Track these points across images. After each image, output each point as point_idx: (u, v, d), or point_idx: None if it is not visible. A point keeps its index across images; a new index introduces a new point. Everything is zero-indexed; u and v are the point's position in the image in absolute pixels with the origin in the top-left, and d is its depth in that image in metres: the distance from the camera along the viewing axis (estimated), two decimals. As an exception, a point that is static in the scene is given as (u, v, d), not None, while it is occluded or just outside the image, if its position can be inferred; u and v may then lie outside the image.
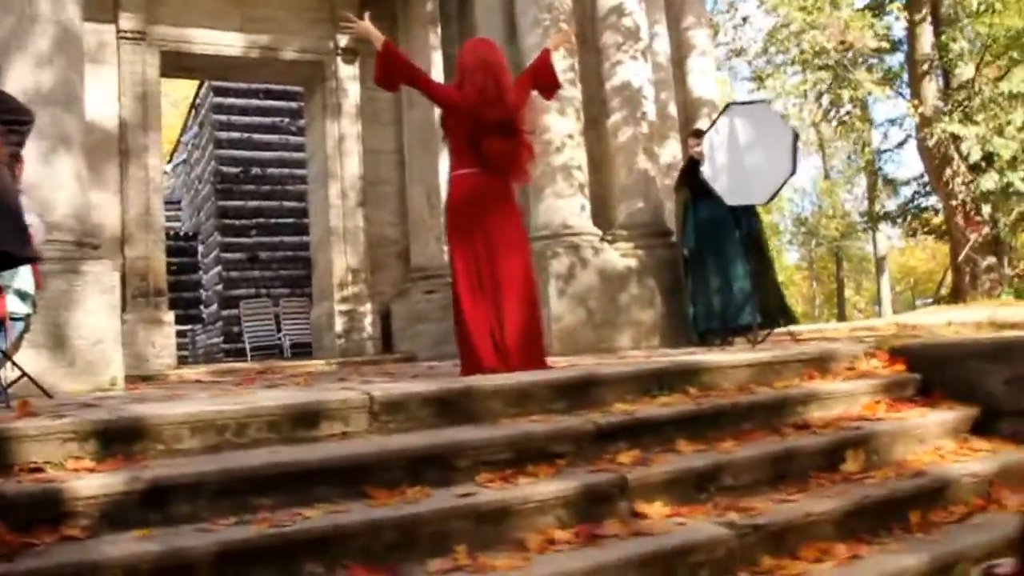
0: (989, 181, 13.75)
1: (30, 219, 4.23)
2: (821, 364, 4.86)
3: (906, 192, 16.69)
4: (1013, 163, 13.76)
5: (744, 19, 15.03)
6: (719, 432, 3.88)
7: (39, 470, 2.88)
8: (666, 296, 6.99)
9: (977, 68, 14.07)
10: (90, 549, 2.48)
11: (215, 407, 3.34)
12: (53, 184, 5.44)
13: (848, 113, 16.16)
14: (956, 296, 14.84)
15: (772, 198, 6.51)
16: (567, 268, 6.68)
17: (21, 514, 2.54)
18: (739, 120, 6.45)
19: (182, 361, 10.28)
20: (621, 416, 3.77)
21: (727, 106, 6.73)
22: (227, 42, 8.90)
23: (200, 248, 14.45)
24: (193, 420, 3.21)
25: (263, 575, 2.54)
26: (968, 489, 3.79)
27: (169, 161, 16.27)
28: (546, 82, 5.04)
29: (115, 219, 8.39)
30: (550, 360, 5.02)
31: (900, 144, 16.41)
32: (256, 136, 13.28)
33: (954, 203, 14.55)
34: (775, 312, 6.73)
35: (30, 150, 4.86)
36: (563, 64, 6.87)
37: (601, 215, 7.24)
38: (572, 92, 6.96)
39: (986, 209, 14.49)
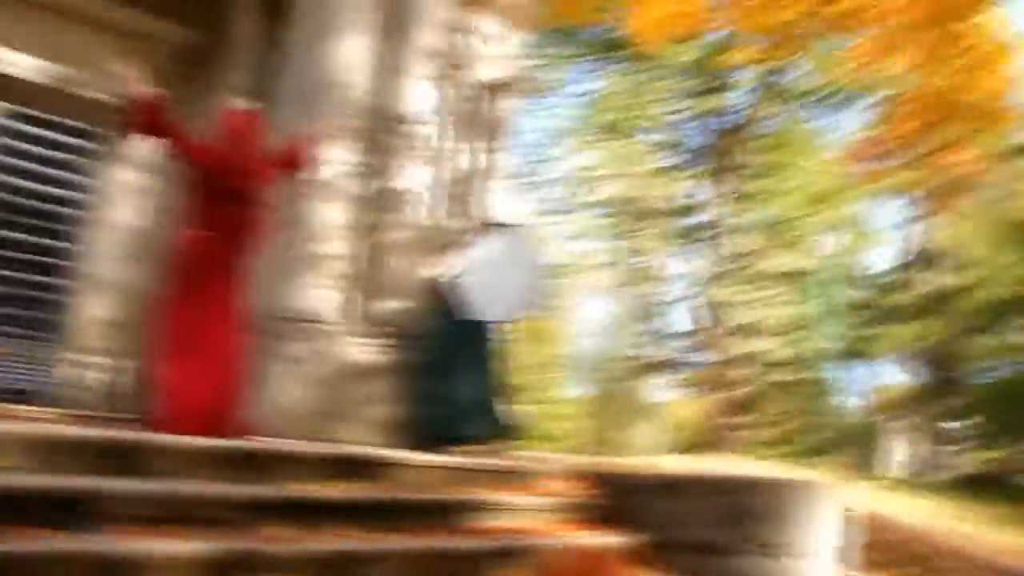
0: (747, 345, 15.00)
1: None
2: (516, 479, 5.11)
3: (676, 346, 17.95)
4: (769, 332, 15.11)
5: (548, 156, 16.09)
6: (388, 524, 3.99)
7: None
8: (401, 397, 7.13)
9: (754, 243, 15.55)
10: None
11: None
12: None
13: (633, 263, 17.35)
14: (707, 447, 15.85)
15: (514, 319, 6.90)
16: (304, 354, 6.73)
17: None
18: (496, 240, 6.86)
19: None
20: (281, 492, 3.83)
21: (484, 225, 7.15)
22: (27, 67, 8.57)
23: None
24: None
25: None
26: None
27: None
28: (297, 166, 5.22)
29: None
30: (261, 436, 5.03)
31: (678, 300, 17.72)
32: (44, 169, 12.61)
33: (714, 361, 15.73)
34: (501, 428, 7.00)
35: None
36: (344, 158, 7.10)
37: (358, 309, 7.36)
38: (348, 186, 7.16)
39: (741, 371, 15.73)
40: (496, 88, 9.93)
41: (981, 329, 22.97)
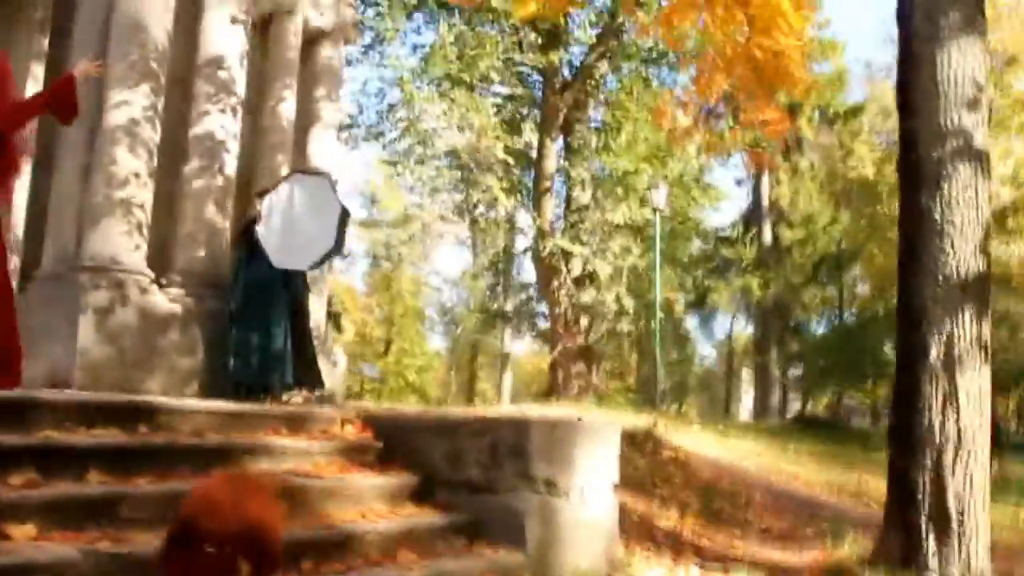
0: (587, 296, 15.49)
1: None
2: (296, 423, 5.27)
3: (522, 296, 18.43)
4: (609, 283, 15.65)
5: (390, 107, 16.00)
6: (147, 468, 4.07)
7: None
8: (209, 347, 7.15)
9: (593, 196, 16.04)
10: None
11: None
12: None
13: (480, 214, 17.65)
14: (548, 396, 16.41)
15: (315, 267, 7.00)
16: (106, 303, 6.64)
17: None
18: (298, 188, 6.92)
19: None
20: (39, 440, 3.87)
21: (291, 173, 7.21)
22: None
23: None
24: None
25: None
26: (373, 545, 4.29)
27: None
28: (64, 106, 5.14)
29: None
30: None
31: (525, 251, 18.14)
32: None
33: (556, 311, 16.20)
34: (307, 376, 7.14)
35: None
36: (144, 102, 6.98)
37: (160, 258, 7.30)
38: (149, 132, 7.04)
39: (583, 321, 16.29)
40: (319, 35, 9.88)
41: (811, 282, 24.55)
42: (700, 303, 23.74)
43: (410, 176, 16.23)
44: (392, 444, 5.32)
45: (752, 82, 8.57)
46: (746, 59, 7.97)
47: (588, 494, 5.01)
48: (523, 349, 31.45)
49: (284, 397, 6.74)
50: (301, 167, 8.30)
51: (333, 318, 24.16)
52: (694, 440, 11.52)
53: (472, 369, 31.03)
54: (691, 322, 27.24)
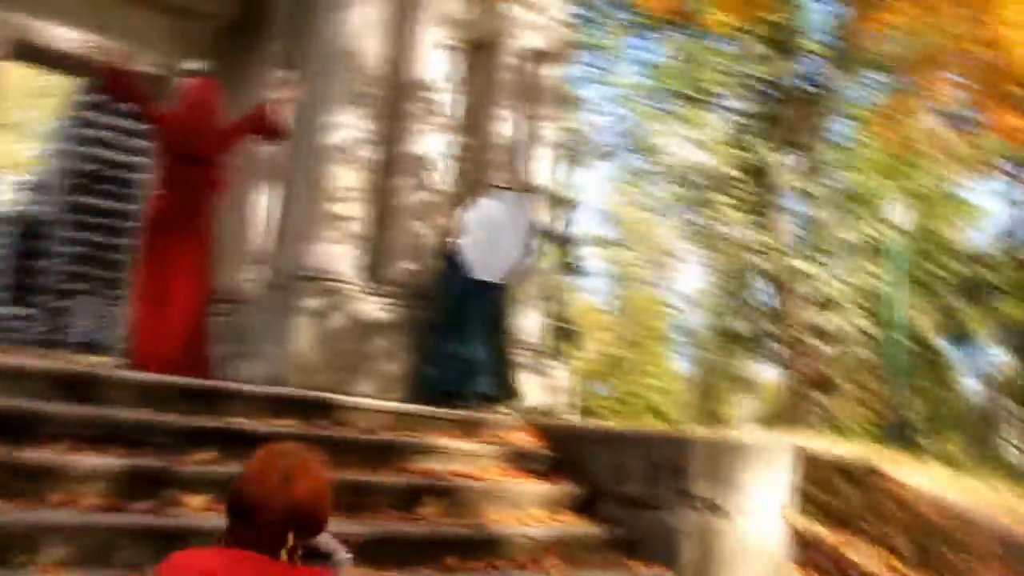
0: (822, 319, 14.82)
1: None
2: (469, 428, 5.53)
3: (758, 318, 17.80)
4: (846, 305, 14.89)
5: (618, 125, 16.13)
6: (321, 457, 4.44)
7: None
8: (413, 354, 7.60)
9: (829, 213, 15.31)
10: None
11: None
12: None
13: (712, 233, 17.30)
14: (782, 422, 15.77)
15: (509, 280, 7.26)
16: (318, 309, 7.26)
17: None
18: (495, 202, 7.24)
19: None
20: (223, 424, 4.34)
21: (490, 187, 7.54)
22: (78, 41, 9.43)
23: (52, 238, 14.73)
24: None
25: None
26: (520, 549, 4.43)
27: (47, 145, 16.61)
28: (267, 129, 5.72)
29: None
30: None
31: (757, 271, 17.53)
32: (119, 138, 13.75)
33: (790, 334, 15.60)
34: (502, 387, 7.40)
35: None
36: (358, 123, 7.58)
37: (371, 268, 7.86)
38: (362, 150, 7.63)
39: (819, 345, 15.55)
40: (535, 56, 10.21)
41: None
42: (957, 330, 21.78)
43: (642, 195, 16.30)
44: (562, 454, 5.42)
45: (988, 82, 7.93)
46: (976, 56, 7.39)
47: (752, 517, 4.86)
48: (767, 373, 30.38)
49: (477, 405, 7.04)
50: (501, 182, 8.65)
51: (569, 336, 24.62)
52: (934, 479, 10.65)
53: (713, 392, 30.36)
54: (950, 351, 25.06)
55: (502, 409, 6.80)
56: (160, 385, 4.55)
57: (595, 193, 48.46)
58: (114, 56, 5.70)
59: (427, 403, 7.23)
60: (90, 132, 13.82)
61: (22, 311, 13.57)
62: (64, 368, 4.48)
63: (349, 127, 7.63)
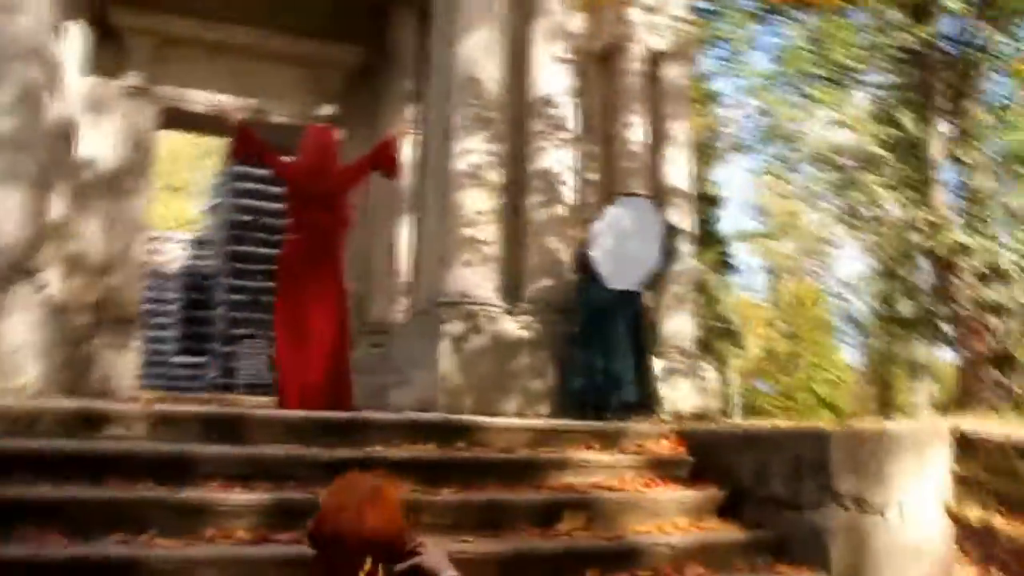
0: (996, 293, 13.93)
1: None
2: (609, 439, 5.51)
3: (920, 299, 16.85)
4: (1020, 277, 13.93)
5: (754, 115, 15.68)
6: (454, 480, 4.57)
7: None
8: (557, 369, 7.67)
9: (991, 181, 14.33)
10: None
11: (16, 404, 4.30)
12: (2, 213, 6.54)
13: (864, 215, 16.52)
14: (961, 406, 14.86)
15: (645, 286, 7.22)
16: (461, 333, 7.45)
17: None
18: (623, 210, 7.24)
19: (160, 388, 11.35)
20: (362, 454, 4.53)
21: (617, 196, 7.53)
22: (223, 103, 10.10)
23: (215, 288, 15.79)
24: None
25: None
26: (663, 558, 4.39)
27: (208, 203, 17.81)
28: (386, 165, 5.95)
29: (99, 251, 9.59)
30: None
31: (917, 250, 16.58)
32: (268, 188, 14.56)
33: (960, 313, 14.70)
34: (645, 395, 7.36)
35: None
36: (484, 147, 7.77)
37: (509, 288, 8.00)
38: (490, 174, 7.80)
39: (993, 321, 14.58)
40: (661, 57, 10.14)
41: None
42: None
43: (786, 184, 15.80)
44: (704, 459, 5.33)
45: None
46: None
47: (908, 514, 4.62)
48: (942, 355, 28.74)
49: (621, 415, 7.03)
50: (630, 189, 8.63)
51: (726, 335, 24.07)
52: None
53: (887, 381, 28.96)
54: None
55: (646, 417, 6.75)
56: (303, 421, 4.80)
57: (741, 187, 47.31)
58: (231, 117, 6.08)
59: (573, 417, 7.30)
60: (243, 185, 14.72)
61: (193, 360, 14.60)
62: (215, 411, 4.80)
63: (477, 152, 7.83)
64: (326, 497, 2.15)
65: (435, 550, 2.30)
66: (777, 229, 26.78)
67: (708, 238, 18.82)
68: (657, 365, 8.23)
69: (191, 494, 3.93)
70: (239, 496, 3.97)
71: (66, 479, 3.91)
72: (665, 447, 5.55)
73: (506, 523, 4.39)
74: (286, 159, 5.91)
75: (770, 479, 4.90)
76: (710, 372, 9.62)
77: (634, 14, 10.08)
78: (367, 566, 2.04)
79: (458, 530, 4.21)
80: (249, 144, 5.83)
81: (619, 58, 10.04)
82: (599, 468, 5.09)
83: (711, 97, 17.49)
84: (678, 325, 9.59)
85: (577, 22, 9.74)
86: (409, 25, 10.21)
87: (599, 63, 10.20)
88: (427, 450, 4.81)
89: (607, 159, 9.59)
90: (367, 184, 7.77)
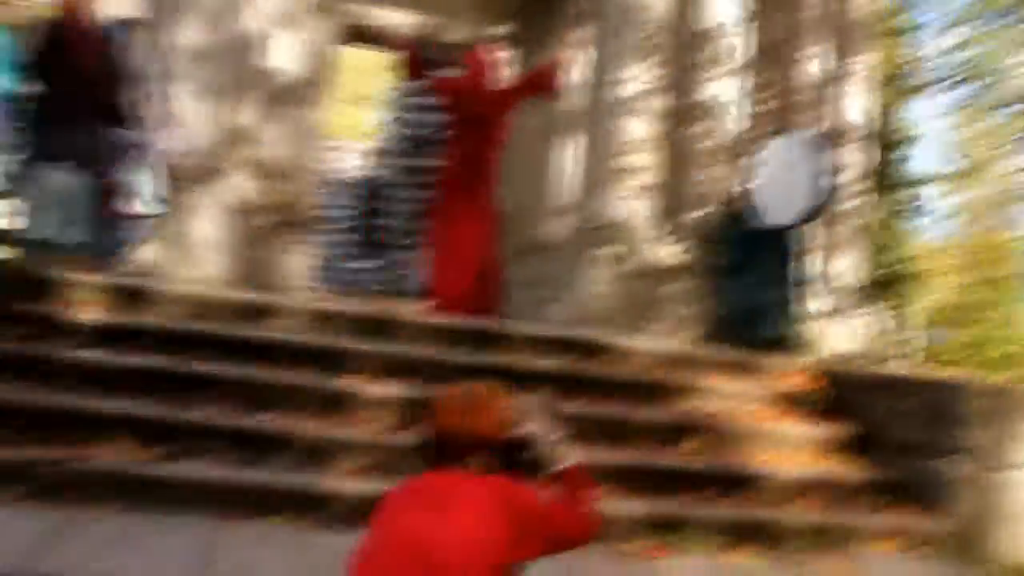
0: None
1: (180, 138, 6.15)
2: (743, 370, 5.65)
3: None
4: None
5: (950, 51, 14.57)
6: (584, 393, 4.86)
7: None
8: (705, 297, 7.77)
9: None
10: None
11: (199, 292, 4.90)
12: (197, 119, 7.21)
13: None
14: None
15: (801, 223, 7.15)
16: (613, 257, 7.67)
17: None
18: (786, 143, 7.19)
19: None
20: (500, 361, 4.87)
21: (781, 129, 7.44)
22: (398, 20, 10.51)
23: (389, 196, 16.52)
24: (179, 297, 4.76)
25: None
26: (773, 488, 4.57)
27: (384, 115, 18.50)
28: (544, 88, 6.15)
29: (281, 158, 10.28)
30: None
31: None
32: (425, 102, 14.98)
33: None
34: (790, 329, 7.35)
35: (187, 93, 6.87)
36: (646, 75, 7.82)
37: (666, 215, 8.11)
38: (651, 101, 7.86)
39: None
40: (839, -13, 9.76)
41: None
42: None
43: (986, 125, 14.81)
44: (837, 398, 5.39)
45: None
46: None
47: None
48: None
49: (763, 348, 7.09)
50: (797, 123, 8.47)
51: (898, 280, 23.04)
52: None
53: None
54: None
55: (790, 353, 6.78)
56: (448, 327, 5.18)
57: (934, 127, 44.41)
58: (401, 37, 6.42)
59: (716, 344, 7.42)
60: (417, 100, 15.21)
61: (369, 264, 15.46)
62: (369, 311, 5.26)
63: (640, 79, 7.89)
64: (438, 402, 2.42)
65: (536, 416, 2.51)
66: (971, 173, 25.14)
67: (894, 179, 17.99)
68: (815, 304, 8.20)
69: (341, 383, 4.40)
70: (383, 389, 4.41)
71: (237, 359, 4.46)
72: (798, 382, 5.62)
73: (629, 438, 4.66)
74: (448, 78, 6.21)
75: (901, 424, 4.94)
76: (875, 315, 9.46)
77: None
78: (479, 458, 2.30)
79: (583, 440, 4.48)
80: (416, 64, 6.16)
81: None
82: (728, 396, 5.27)
83: (906, 30, 16.54)
84: (843, 265, 9.44)
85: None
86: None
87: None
88: (563, 364, 5.11)
89: (781, 90, 9.41)
90: (529, 105, 8.00)
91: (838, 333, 8.88)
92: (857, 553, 4.21)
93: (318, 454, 3.92)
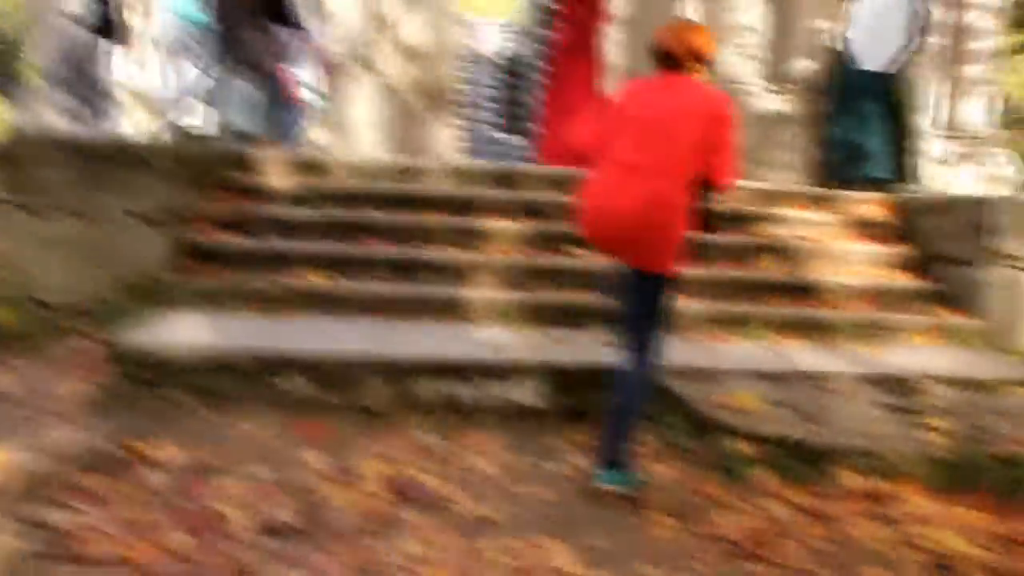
0: None
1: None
2: (822, 201, 6.56)
3: None
4: None
5: None
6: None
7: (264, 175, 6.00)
8: (814, 143, 8.58)
9: None
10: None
11: (361, 161, 6.28)
12: (346, 11, 8.52)
13: None
14: None
15: (894, 67, 7.81)
16: (726, 107, 8.57)
17: (253, 194, 5.68)
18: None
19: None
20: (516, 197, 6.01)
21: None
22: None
23: (528, 70, 17.48)
24: (346, 165, 6.15)
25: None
26: (835, 294, 5.58)
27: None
28: None
29: (423, 41, 11.56)
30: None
31: None
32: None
33: None
34: (899, 171, 8.09)
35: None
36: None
37: (774, 68, 8.88)
38: (756, -40, 8.57)
39: None
40: None
41: None
42: None
43: None
44: (903, 223, 6.27)
45: None
46: None
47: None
48: None
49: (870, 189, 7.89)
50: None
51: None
52: None
53: None
54: None
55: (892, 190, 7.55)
56: (563, 174, 6.35)
57: None
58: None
59: (825, 185, 8.25)
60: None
61: (508, 136, 16.71)
62: (495, 166, 6.50)
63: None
64: (662, 29, 3.43)
65: None
66: None
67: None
68: (935, 147, 8.84)
69: (474, 222, 5.68)
70: (507, 224, 5.67)
71: (393, 208, 5.82)
72: (871, 211, 6.50)
73: (712, 258, 5.75)
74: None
75: (946, 239, 5.82)
76: (1003, 158, 9.89)
77: None
78: (693, 65, 3.39)
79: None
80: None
81: None
82: (806, 224, 6.24)
83: None
84: (968, 109, 9.88)
85: None
86: None
87: None
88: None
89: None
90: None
91: (962, 177, 9.47)
92: (897, 343, 5.22)
93: (457, 274, 5.25)
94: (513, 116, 17.42)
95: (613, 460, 3.33)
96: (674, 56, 3.34)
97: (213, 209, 5.61)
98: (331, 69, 8.29)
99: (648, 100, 3.33)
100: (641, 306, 3.33)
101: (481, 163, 6.91)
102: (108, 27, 7.64)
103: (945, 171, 9.31)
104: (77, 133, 6.96)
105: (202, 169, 5.67)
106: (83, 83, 7.52)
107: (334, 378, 4.12)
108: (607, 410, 3.39)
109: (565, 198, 6.01)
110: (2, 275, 4.86)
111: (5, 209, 4.94)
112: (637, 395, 3.35)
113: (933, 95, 9.68)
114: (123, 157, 5.16)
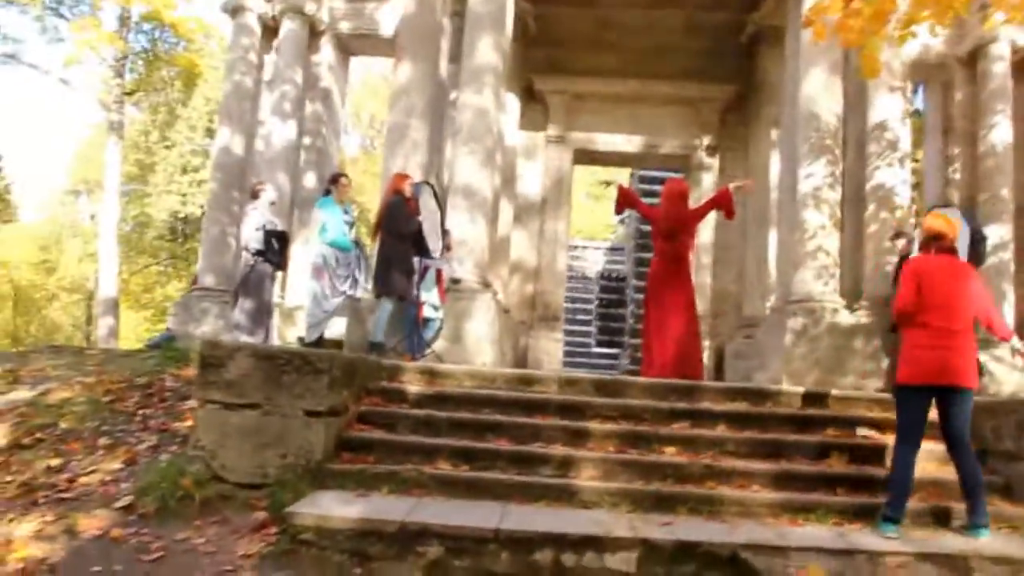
0: None
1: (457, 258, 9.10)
2: (886, 404, 7.48)
3: None
4: None
5: None
6: (752, 426, 7.00)
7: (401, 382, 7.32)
8: (887, 353, 9.57)
9: None
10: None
11: (481, 370, 7.56)
12: (467, 240, 10.09)
13: None
14: None
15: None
16: (803, 325, 9.67)
17: (391, 396, 7.00)
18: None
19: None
20: (694, 407, 7.12)
21: (931, 208, 9.22)
22: (620, 141, 13.29)
23: (626, 288, 19.03)
24: (468, 373, 7.44)
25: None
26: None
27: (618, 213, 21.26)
28: (725, 208, 8.49)
29: (532, 262, 13.17)
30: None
31: None
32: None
33: None
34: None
35: (463, 224, 9.79)
36: (824, 171, 9.90)
37: (849, 286, 10.05)
38: (829, 193, 9.89)
39: None
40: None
41: None
42: None
43: None
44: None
45: None
46: None
47: None
48: None
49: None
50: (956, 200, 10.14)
51: None
52: None
53: None
54: None
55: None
56: (656, 384, 7.50)
57: None
58: (614, 183, 8.97)
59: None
60: (646, 201, 17.85)
61: (608, 350, 18.02)
62: (599, 377, 7.73)
63: (818, 174, 9.97)
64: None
65: None
66: None
67: None
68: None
69: (581, 424, 6.84)
70: (609, 427, 6.80)
71: (511, 411, 7.03)
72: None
73: (784, 455, 6.71)
74: (650, 205, 8.71)
75: (1003, 437, 6.67)
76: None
77: (999, 14, 11.20)
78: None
79: (751, 457, 6.65)
80: (626, 199, 8.77)
81: (979, 58, 11.27)
82: (869, 424, 7.18)
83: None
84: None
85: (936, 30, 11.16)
86: (772, 61, 12.53)
87: (963, 66, 11.54)
88: (739, 406, 7.28)
89: (969, 160, 11.11)
90: (737, 206, 10.27)
91: (1009, 377, 10.27)
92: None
93: (567, 466, 6.36)
94: (610, 331, 18.84)
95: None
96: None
97: (362, 408, 6.91)
98: (453, 290, 9.80)
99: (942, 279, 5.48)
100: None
101: (584, 374, 8.14)
102: (279, 259, 9.38)
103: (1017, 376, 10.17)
104: (255, 343, 8.45)
105: (353, 375, 7.00)
106: (258, 304, 9.18)
107: (464, 546, 5.21)
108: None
109: (657, 404, 7.17)
110: (202, 457, 6.15)
111: (213, 407, 6.28)
112: None
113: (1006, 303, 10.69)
114: (298, 363, 6.48)
